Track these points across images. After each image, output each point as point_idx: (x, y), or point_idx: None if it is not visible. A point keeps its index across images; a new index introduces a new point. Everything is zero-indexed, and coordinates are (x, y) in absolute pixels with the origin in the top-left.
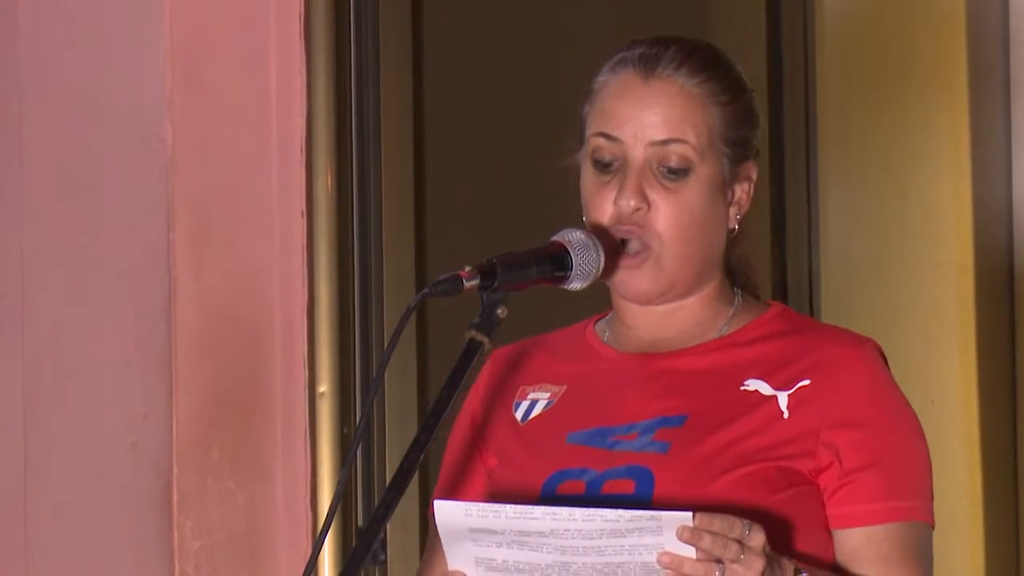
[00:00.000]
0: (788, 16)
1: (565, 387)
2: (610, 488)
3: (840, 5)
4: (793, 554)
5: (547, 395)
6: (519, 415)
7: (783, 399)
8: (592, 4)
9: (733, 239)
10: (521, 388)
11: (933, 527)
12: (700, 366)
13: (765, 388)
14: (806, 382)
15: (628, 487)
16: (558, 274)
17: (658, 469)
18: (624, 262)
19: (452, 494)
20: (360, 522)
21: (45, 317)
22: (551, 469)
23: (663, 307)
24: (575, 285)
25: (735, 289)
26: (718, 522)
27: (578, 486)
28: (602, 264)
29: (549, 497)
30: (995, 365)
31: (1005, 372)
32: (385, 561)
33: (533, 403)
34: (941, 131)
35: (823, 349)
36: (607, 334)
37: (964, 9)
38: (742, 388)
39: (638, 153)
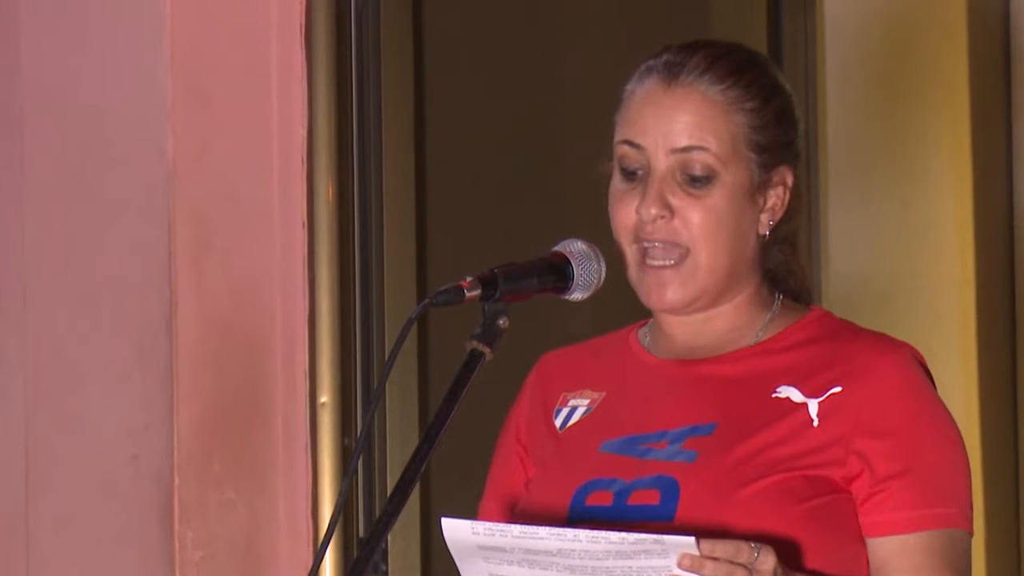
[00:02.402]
0: (789, 29)
1: (604, 393)
2: (637, 499)
3: (841, 17)
4: (814, 569)
5: (586, 402)
6: (558, 423)
7: (814, 407)
8: (593, 11)
9: (772, 244)
10: (563, 395)
11: (971, 534)
12: (733, 373)
13: (796, 395)
14: (837, 389)
15: (654, 497)
16: (559, 284)
17: (684, 479)
18: (649, 272)
19: (495, 505)
20: (361, 533)
21: (46, 328)
22: (582, 479)
23: (699, 315)
24: (576, 295)
25: (776, 295)
26: (721, 548)
27: (606, 496)
28: (603, 275)
29: (578, 508)
30: (996, 376)
31: (1006, 383)
32: (386, 572)
33: (572, 410)
34: (942, 143)
35: (856, 355)
36: (647, 339)
37: (965, 22)
38: (774, 395)
39: (660, 161)
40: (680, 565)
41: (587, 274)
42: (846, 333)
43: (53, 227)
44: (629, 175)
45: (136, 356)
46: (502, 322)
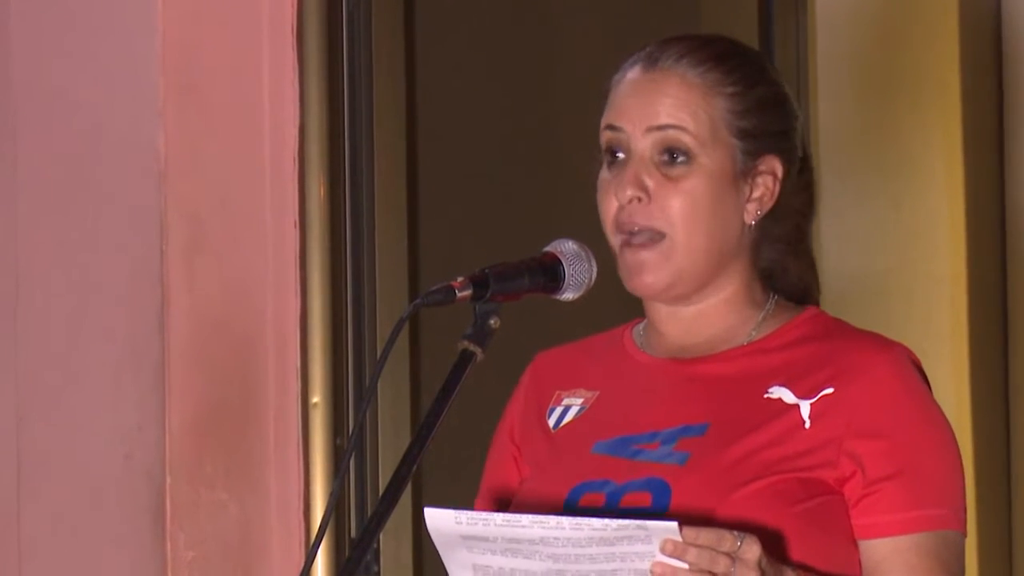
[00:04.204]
0: (780, 27)
1: (598, 393)
2: (628, 501)
3: (833, 15)
4: (803, 566)
5: (580, 401)
6: (552, 422)
7: (805, 408)
8: (584, 13)
9: (764, 242)
10: (557, 393)
11: (965, 535)
12: (726, 372)
13: (788, 396)
14: (829, 390)
15: (645, 500)
16: (550, 285)
17: (675, 481)
18: (627, 254)
19: (489, 505)
20: (353, 532)
21: (38, 328)
22: (575, 481)
23: (689, 309)
24: (568, 295)
25: (771, 294)
26: (704, 535)
27: (598, 499)
28: (594, 275)
29: (570, 510)
30: (987, 375)
31: (998, 382)
32: (378, 572)
33: (566, 409)
34: (934, 141)
35: (848, 356)
36: (642, 338)
37: (957, 21)
38: (766, 396)
39: (639, 141)
40: (663, 550)
41: (578, 274)
42: (839, 333)
43: (46, 226)
44: (612, 160)
45: (128, 356)
46: (493, 322)
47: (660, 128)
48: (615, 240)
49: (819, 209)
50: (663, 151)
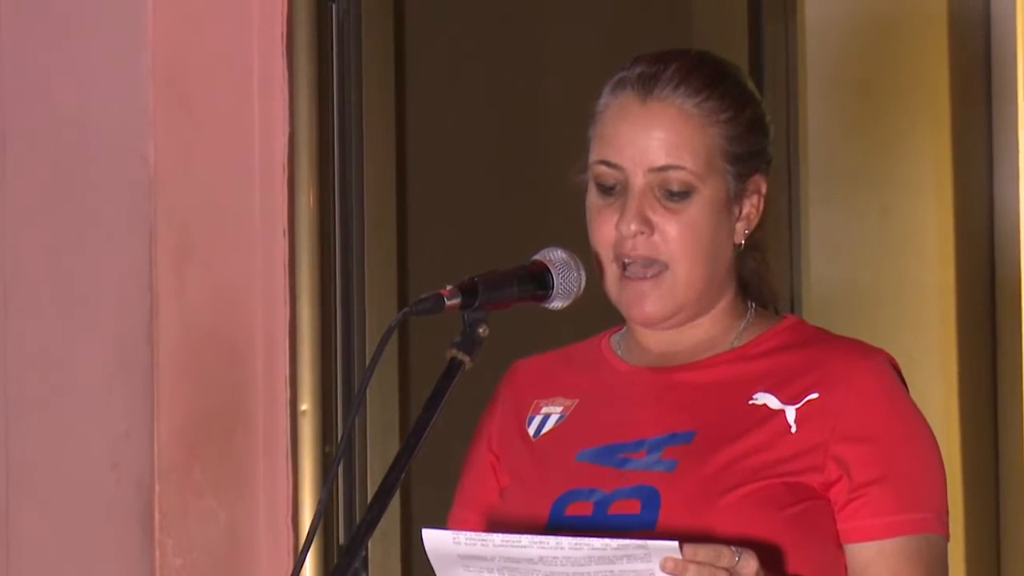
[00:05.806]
0: (770, 35)
1: (577, 401)
2: (617, 508)
3: (822, 24)
4: (796, 574)
5: (559, 409)
6: (531, 430)
7: (791, 413)
8: (576, 22)
9: (745, 251)
10: (535, 402)
11: (947, 538)
12: (709, 379)
13: (773, 402)
14: (814, 395)
15: (634, 507)
16: (539, 293)
17: (664, 488)
18: (628, 285)
19: (468, 514)
20: (342, 540)
21: (27, 335)
22: (560, 489)
23: (676, 328)
24: (556, 304)
25: (748, 302)
26: (703, 552)
27: (586, 507)
28: (583, 283)
29: (558, 518)
30: (976, 384)
31: (986, 391)
32: None
33: (546, 418)
34: (923, 151)
35: (832, 362)
36: (621, 346)
37: (946, 28)
38: (750, 402)
39: (638, 178)
40: (663, 568)
41: (567, 283)
42: (820, 339)
43: (35, 234)
44: (606, 190)
45: (117, 363)
46: (482, 330)
47: (660, 169)
48: (611, 267)
49: (807, 217)
50: (664, 187)
